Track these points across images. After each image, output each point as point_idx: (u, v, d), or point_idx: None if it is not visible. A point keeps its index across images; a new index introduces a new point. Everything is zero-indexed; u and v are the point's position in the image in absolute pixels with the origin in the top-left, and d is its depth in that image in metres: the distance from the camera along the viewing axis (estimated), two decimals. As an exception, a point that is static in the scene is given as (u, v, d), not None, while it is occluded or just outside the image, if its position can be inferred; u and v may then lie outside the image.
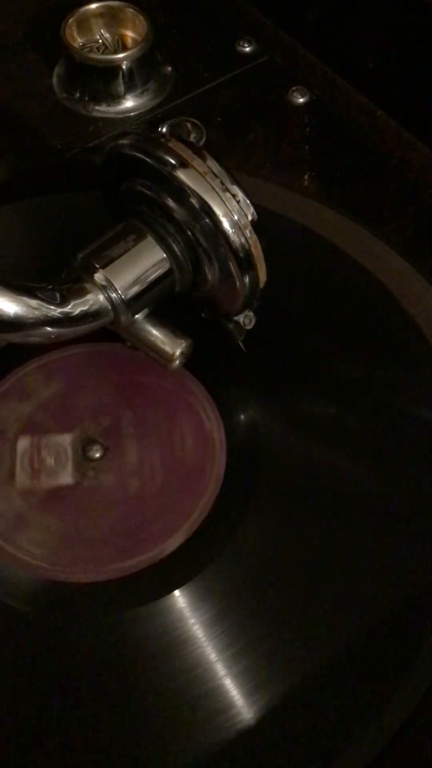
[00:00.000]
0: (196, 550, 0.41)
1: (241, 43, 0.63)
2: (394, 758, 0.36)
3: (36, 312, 0.37)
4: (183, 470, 0.43)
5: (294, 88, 0.60)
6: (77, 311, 0.38)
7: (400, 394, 0.46)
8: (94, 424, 0.45)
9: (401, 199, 0.55)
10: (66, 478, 0.43)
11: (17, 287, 0.37)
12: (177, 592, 0.39)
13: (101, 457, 0.43)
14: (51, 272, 0.40)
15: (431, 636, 0.38)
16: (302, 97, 0.60)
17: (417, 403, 0.45)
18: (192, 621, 0.39)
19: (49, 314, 0.37)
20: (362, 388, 0.46)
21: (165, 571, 0.40)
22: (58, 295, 0.38)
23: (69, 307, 0.38)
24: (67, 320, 0.38)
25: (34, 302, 0.37)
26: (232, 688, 0.37)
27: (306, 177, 0.56)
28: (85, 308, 0.38)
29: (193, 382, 0.46)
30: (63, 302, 0.38)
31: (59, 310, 0.37)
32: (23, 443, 0.44)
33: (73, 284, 0.39)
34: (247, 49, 0.63)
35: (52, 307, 0.37)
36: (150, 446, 0.44)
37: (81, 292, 0.39)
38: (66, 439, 0.44)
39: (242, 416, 0.45)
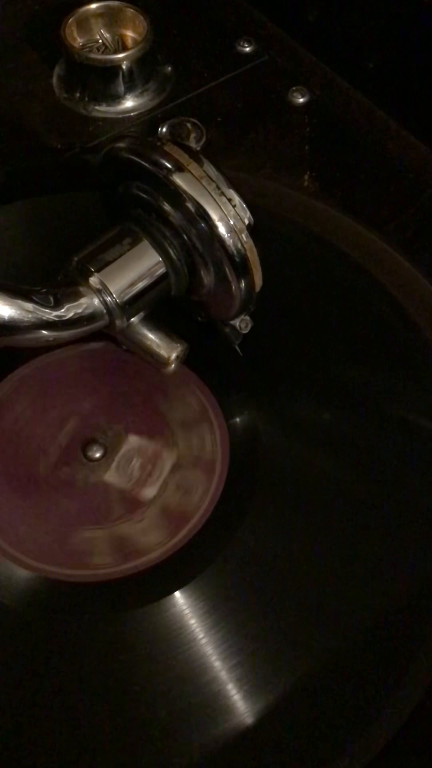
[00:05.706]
0: (196, 551, 0.41)
1: (241, 43, 0.63)
2: (394, 758, 0.36)
3: (30, 315, 0.37)
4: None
5: (294, 88, 0.60)
6: (72, 315, 0.38)
7: (399, 397, 0.46)
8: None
9: (401, 198, 0.54)
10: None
11: (12, 290, 0.37)
12: (177, 593, 0.39)
13: (101, 457, 0.44)
14: (50, 273, 0.40)
15: (430, 637, 0.38)
16: (302, 97, 0.60)
17: (416, 406, 0.45)
18: (192, 621, 0.38)
19: (44, 318, 0.37)
20: (362, 391, 0.46)
21: (165, 571, 0.40)
22: (52, 298, 0.38)
23: (63, 310, 0.38)
24: (61, 324, 0.38)
25: (28, 305, 0.37)
26: (231, 689, 0.37)
27: (306, 177, 0.55)
28: (79, 312, 0.38)
29: (194, 383, 0.46)
30: (57, 306, 0.38)
31: (54, 313, 0.38)
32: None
33: (68, 287, 0.39)
34: (247, 49, 0.62)
35: (47, 311, 0.37)
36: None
37: (76, 296, 0.39)
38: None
39: (241, 419, 0.45)
